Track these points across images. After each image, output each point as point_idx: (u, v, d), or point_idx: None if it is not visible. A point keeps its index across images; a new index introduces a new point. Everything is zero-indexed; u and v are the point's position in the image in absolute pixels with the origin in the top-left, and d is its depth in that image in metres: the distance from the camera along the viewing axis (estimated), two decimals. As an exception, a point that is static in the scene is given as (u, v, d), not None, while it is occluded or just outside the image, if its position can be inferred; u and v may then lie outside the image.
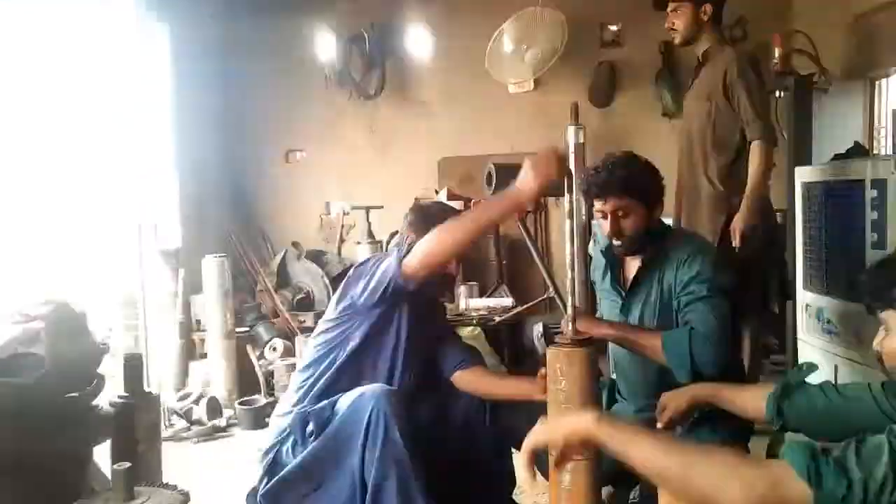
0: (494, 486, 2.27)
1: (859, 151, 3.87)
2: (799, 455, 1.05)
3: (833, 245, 3.08)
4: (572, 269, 1.85)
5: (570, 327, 1.79)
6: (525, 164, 1.84)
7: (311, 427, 2.03)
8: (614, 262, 2.30)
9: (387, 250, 2.35)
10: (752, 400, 1.77)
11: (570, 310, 1.83)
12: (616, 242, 2.17)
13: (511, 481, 2.30)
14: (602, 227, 2.20)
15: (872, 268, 1.44)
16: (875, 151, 4.33)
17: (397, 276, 1.99)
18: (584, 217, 3.94)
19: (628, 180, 2.11)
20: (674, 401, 1.91)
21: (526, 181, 1.81)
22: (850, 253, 2.94)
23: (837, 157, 3.67)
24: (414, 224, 2.23)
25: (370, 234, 4.68)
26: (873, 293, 1.41)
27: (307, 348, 2.28)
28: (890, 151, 2.96)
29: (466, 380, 2.28)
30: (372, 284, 2.06)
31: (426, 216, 2.21)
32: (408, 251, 2.00)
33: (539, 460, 1.66)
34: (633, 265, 2.27)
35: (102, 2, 4.00)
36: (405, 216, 2.31)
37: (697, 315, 2.05)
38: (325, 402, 2.07)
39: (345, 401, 2.01)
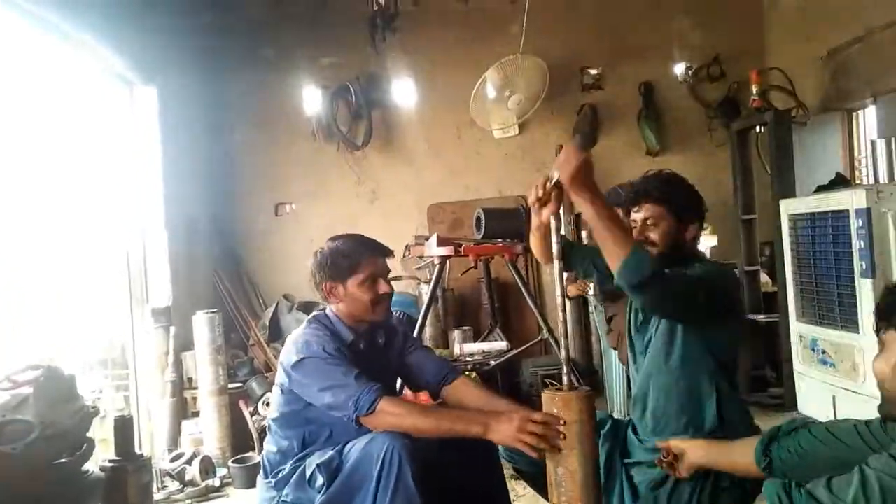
0: None
1: (842, 182, 3.95)
2: (772, 486, 1.16)
3: (823, 275, 3.11)
4: (563, 311, 1.86)
5: (566, 373, 1.77)
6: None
7: (321, 480, 1.98)
8: None
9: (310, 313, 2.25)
10: (741, 455, 1.73)
11: (563, 351, 1.82)
12: None
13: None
14: None
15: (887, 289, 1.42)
16: (857, 181, 4.40)
17: (350, 418, 1.98)
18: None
19: (662, 189, 2.08)
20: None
21: (501, 433, 1.84)
22: (840, 282, 2.96)
23: (821, 188, 3.73)
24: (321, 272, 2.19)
25: (362, 283, 4.68)
26: (880, 313, 1.41)
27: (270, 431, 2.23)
28: (871, 181, 3.01)
29: (454, 395, 2.25)
30: (316, 399, 2.03)
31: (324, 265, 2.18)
32: (369, 404, 1.95)
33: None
34: None
35: (90, 68, 4.05)
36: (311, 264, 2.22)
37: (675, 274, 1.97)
38: (331, 451, 2.03)
39: (356, 445, 1.98)
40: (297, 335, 2.16)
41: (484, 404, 2.17)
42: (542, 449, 1.76)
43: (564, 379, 1.81)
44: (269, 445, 2.19)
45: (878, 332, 1.41)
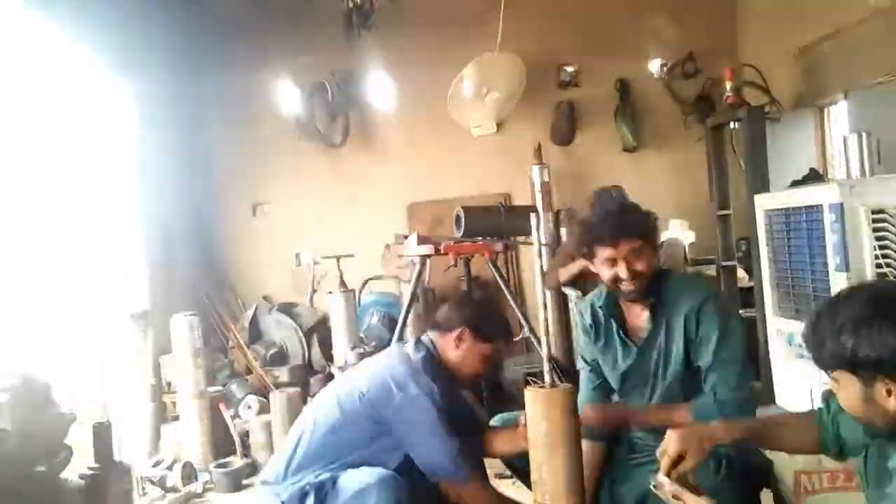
0: None
1: (815, 177, 4.00)
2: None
3: (798, 269, 3.15)
4: (545, 308, 1.87)
5: (547, 371, 1.79)
6: None
7: (311, 500, 1.98)
8: (616, 315, 2.23)
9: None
10: (796, 427, 1.67)
11: (544, 349, 1.84)
12: (629, 287, 2.10)
13: None
14: (604, 275, 2.14)
15: (825, 327, 1.38)
16: (830, 176, 4.47)
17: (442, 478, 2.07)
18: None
19: (639, 221, 2.12)
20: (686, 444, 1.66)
21: None
22: (815, 276, 3.01)
23: (795, 183, 3.79)
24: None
25: (342, 283, 4.65)
26: (826, 359, 1.40)
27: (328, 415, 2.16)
28: (844, 176, 3.06)
29: None
30: (415, 443, 2.08)
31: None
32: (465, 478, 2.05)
33: None
34: (636, 315, 2.20)
35: (65, 62, 3.98)
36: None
37: (722, 381, 2.04)
38: (326, 475, 2.01)
39: (348, 483, 1.96)
40: (403, 362, 2.17)
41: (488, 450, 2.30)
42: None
43: (546, 377, 1.83)
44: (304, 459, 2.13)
45: (825, 370, 1.42)
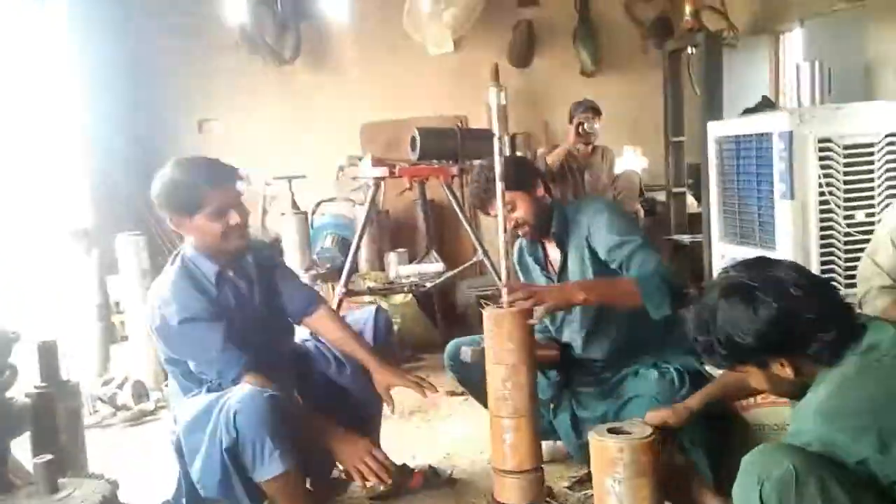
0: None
1: (767, 105, 4.05)
2: None
3: (745, 196, 3.22)
4: (505, 231, 1.89)
5: (504, 290, 1.83)
6: None
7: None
8: (537, 257, 2.43)
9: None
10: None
11: (504, 272, 1.86)
12: (523, 233, 2.32)
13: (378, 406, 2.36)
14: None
15: (701, 337, 1.44)
16: (782, 104, 4.53)
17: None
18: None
19: (490, 182, 2.15)
20: (675, 416, 1.78)
21: (343, 453, 2.03)
22: (760, 203, 3.09)
23: (747, 111, 3.83)
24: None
25: (294, 205, 4.57)
26: (720, 363, 1.48)
27: None
28: (795, 104, 3.10)
29: (315, 326, 2.33)
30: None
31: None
32: (230, 379, 1.98)
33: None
34: (552, 251, 2.39)
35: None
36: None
37: (643, 262, 2.11)
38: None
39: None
40: (158, 286, 2.09)
41: (339, 339, 2.27)
42: (366, 480, 1.96)
43: (504, 297, 1.86)
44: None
45: (727, 366, 1.50)
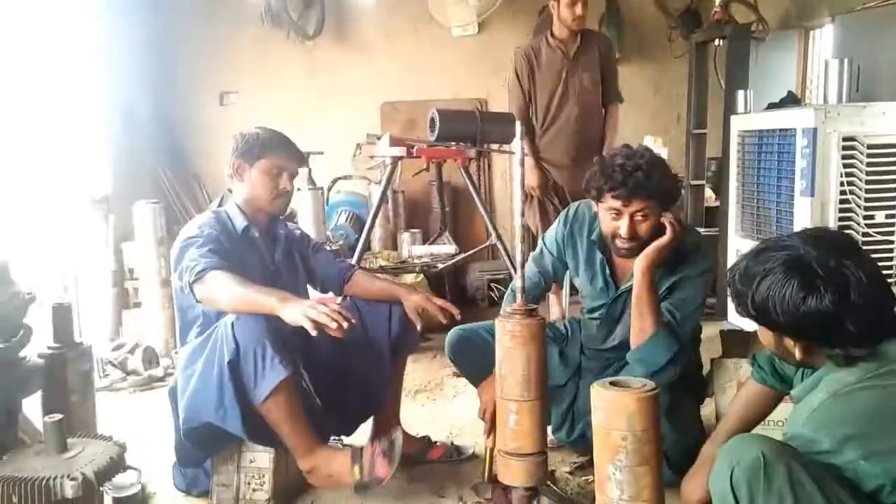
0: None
1: (792, 100, 3.99)
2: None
3: (765, 192, 3.19)
4: (523, 215, 1.83)
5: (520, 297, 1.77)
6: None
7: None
8: (604, 254, 2.23)
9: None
10: (757, 402, 1.78)
11: (519, 273, 1.82)
12: (626, 245, 2.05)
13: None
14: (604, 221, 2.10)
15: (741, 283, 1.43)
16: (807, 101, 4.46)
17: (185, 289, 2.02)
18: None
19: (661, 183, 2.00)
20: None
21: (290, 310, 1.86)
22: (780, 199, 3.05)
23: (771, 105, 3.77)
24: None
25: (311, 181, 4.58)
26: (741, 312, 1.47)
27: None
28: (821, 101, 3.05)
29: (356, 289, 2.40)
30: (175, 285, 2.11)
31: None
32: (198, 272, 1.96)
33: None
34: (625, 260, 2.17)
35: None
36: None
37: (676, 307, 2.08)
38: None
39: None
40: (188, 225, 2.18)
41: (379, 290, 2.38)
42: (322, 327, 1.82)
43: (518, 297, 1.80)
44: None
45: (745, 316, 1.47)
